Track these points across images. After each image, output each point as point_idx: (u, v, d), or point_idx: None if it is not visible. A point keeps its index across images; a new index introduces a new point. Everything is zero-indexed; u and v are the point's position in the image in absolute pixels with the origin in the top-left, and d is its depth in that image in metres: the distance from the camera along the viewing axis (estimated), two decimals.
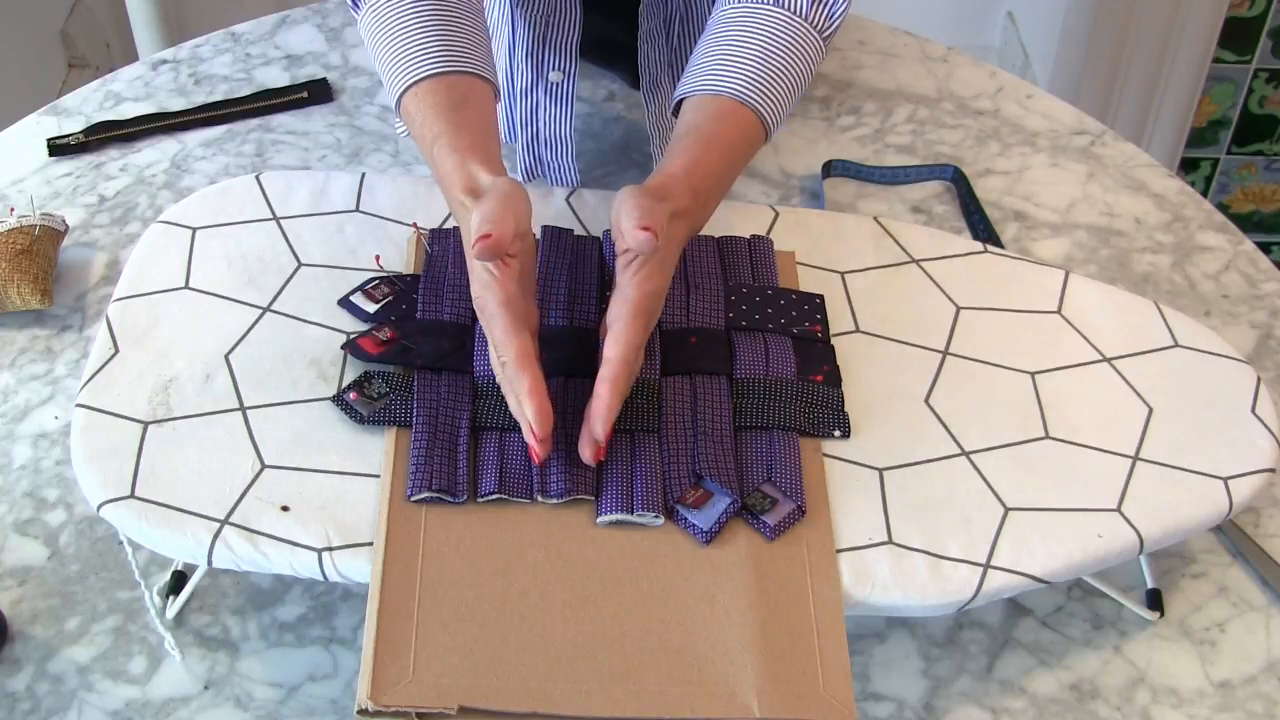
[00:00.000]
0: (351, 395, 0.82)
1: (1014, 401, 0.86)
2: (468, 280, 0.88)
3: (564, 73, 1.03)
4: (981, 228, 1.10)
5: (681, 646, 0.73)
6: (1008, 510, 0.80)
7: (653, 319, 0.82)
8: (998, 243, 1.09)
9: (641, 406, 0.82)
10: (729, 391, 0.84)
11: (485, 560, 0.75)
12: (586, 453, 0.78)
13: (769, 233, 0.96)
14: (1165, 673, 0.84)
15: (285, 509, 0.77)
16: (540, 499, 0.78)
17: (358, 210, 0.94)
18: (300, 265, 0.90)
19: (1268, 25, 2.00)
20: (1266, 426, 0.86)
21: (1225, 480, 0.83)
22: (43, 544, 0.88)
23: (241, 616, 0.84)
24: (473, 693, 0.70)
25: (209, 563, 0.76)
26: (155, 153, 1.16)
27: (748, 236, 0.95)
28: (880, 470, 0.82)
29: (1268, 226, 2.25)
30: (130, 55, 2.20)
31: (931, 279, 0.94)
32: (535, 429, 0.77)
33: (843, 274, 0.94)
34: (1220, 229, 1.12)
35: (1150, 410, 0.87)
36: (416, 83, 0.86)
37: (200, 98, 1.21)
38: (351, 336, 0.86)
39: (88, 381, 0.82)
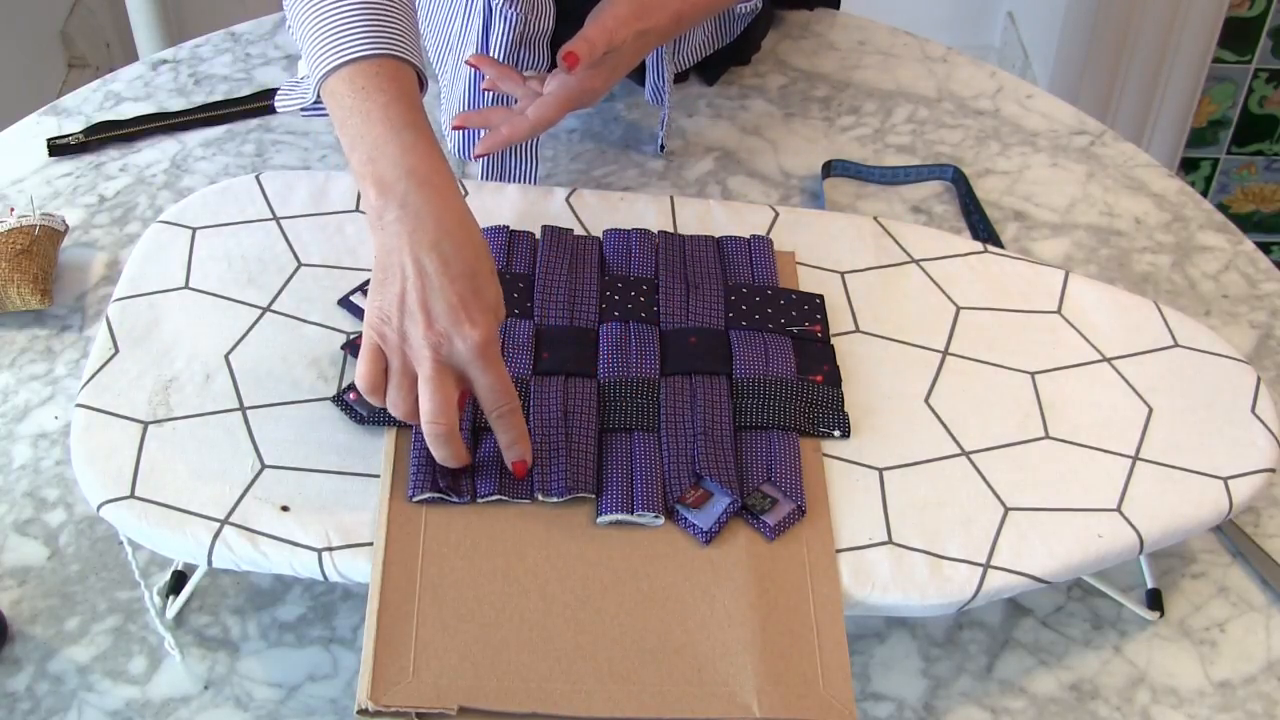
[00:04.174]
0: (351, 395, 0.82)
1: (1014, 401, 0.86)
2: None
3: (536, 69, 1.04)
4: (981, 228, 1.10)
5: (681, 646, 0.73)
6: (1008, 510, 0.80)
7: (577, 107, 0.96)
8: (998, 243, 1.09)
9: (641, 406, 0.82)
10: (729, 391, 0.84)
11: (485, 560, 0.75)
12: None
13: (769, 233, 0.96)
14: (1165, 673, 0.84)
15: (285, 509, 0.77)
16: (540, 498, 0.78)
17: (358, 210, 0.94)
18: (300, 265, 0.90)
19: (1268, 25, 2.00)
20: (1266, 426, 0.86)
21: (1225, 480, 0.83)
22: (43, 544, 0.88)
23: (241, 616, 0.84)
24: (473, 693, 0.70)
25: (209, 563, 0.76)
26: (155, 153, 1.16)
27: (748, 236, 0.95)
28: (880, 470, 0.82)
29: (1268, 226, 2.25)
30: (130, 55, 2.20)
31: (931, 279, 0.94)
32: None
33: (843, 274, 0.94)
34: (1220, 229, 1.12)
35: (1150, 410, 0.87)
36: (349, 62, 0.80)
37: (200, 98, 1.21)
38: (351, 336, 0.86)
39: (88, 381, 0.82)
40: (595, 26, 0.92)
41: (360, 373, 0.77)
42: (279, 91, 0.97)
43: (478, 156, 0.97)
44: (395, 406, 0.77)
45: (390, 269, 0.76)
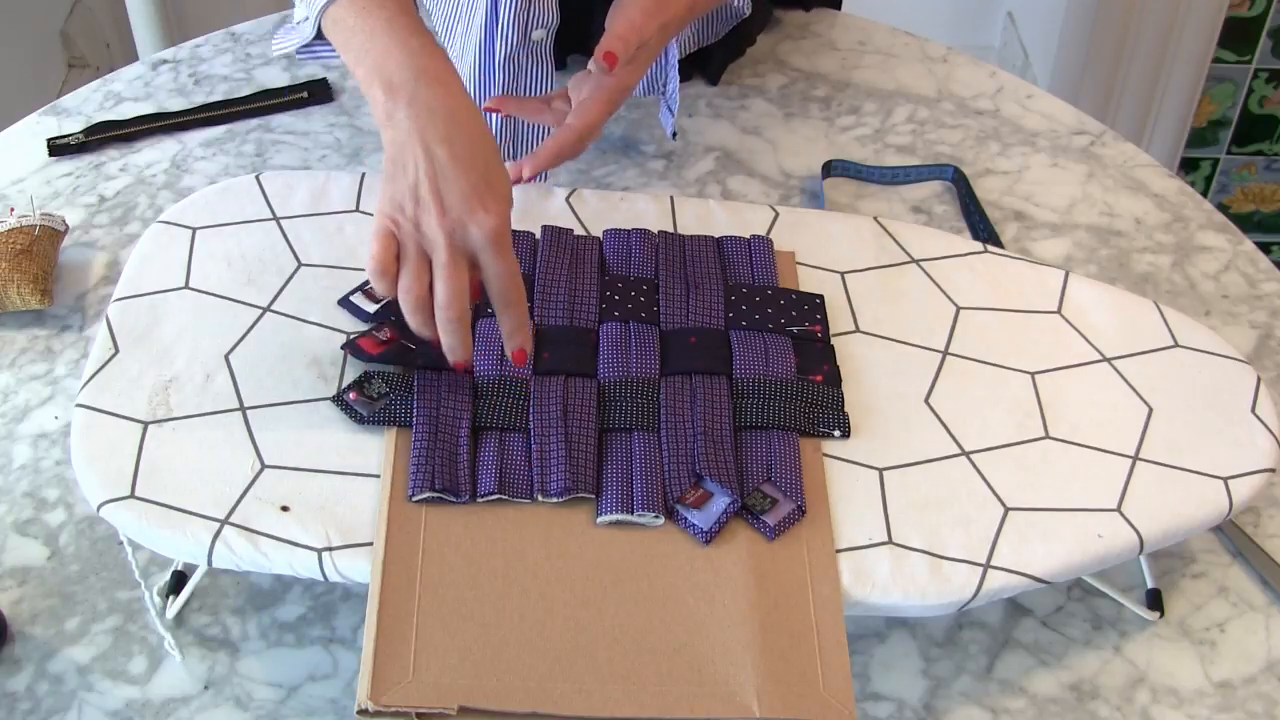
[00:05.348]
0: (351, 395, 0.82)
1: (1014, 401, 0.86)
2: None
3: (546, 29, 1.04)
4: (981, 228, 1.10)
5: (681, 646, 0.73)
6: (1008, 510, 0.80)
7: (615, 108, 0.95)
8: (998, 243, 1.09)
9: (641, 406, 0.82)
10: (729, 391, 0.84)
11: (485, 560, 0.75)
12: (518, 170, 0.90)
13: (769, 233, 0.96)
14: (1165, 673, 0.84)
15: (285, 509, 0.77)
16: (540, 498, 0.78)
17: (358, 210, 0.94)
18: (300, 265, 0.90)
19: (1268, 25, 2.00)
20: (1266, 426, 0.86)
21: (1225, 480, 0.83)
22: (43, 544, 0.88)
23: (241, 616, 0.84)
24: (473, 693, 0.70)
25: (209, 563, 0.76)
26: (155, 153, 1.16)
27: (748, 236, 0.95)
28: (880, 470, 0.82)
29: (1268, 226, 2.25)
30: (130, 55, 2.20)
31: (931, 279, 0.94)
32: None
33: (843, 274, 0.94)
34: (1220, 229, 1.12)
35: (1150, 410, 0.87)
36: None
37: (200, 98, 1.21)
38: (351, 336, 0.86)
39: (88, 381, 0.82)
40: (624, 23, 0.92)
41: (372, 255, 0.78)
42: (275, 36, 0.99)
43: (529, 179, 0.94)
44: (407, 291, 0.78)
45: (401, 162, 0.78)
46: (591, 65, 0.93)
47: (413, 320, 0.79)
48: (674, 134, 1.12)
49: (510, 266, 0.78)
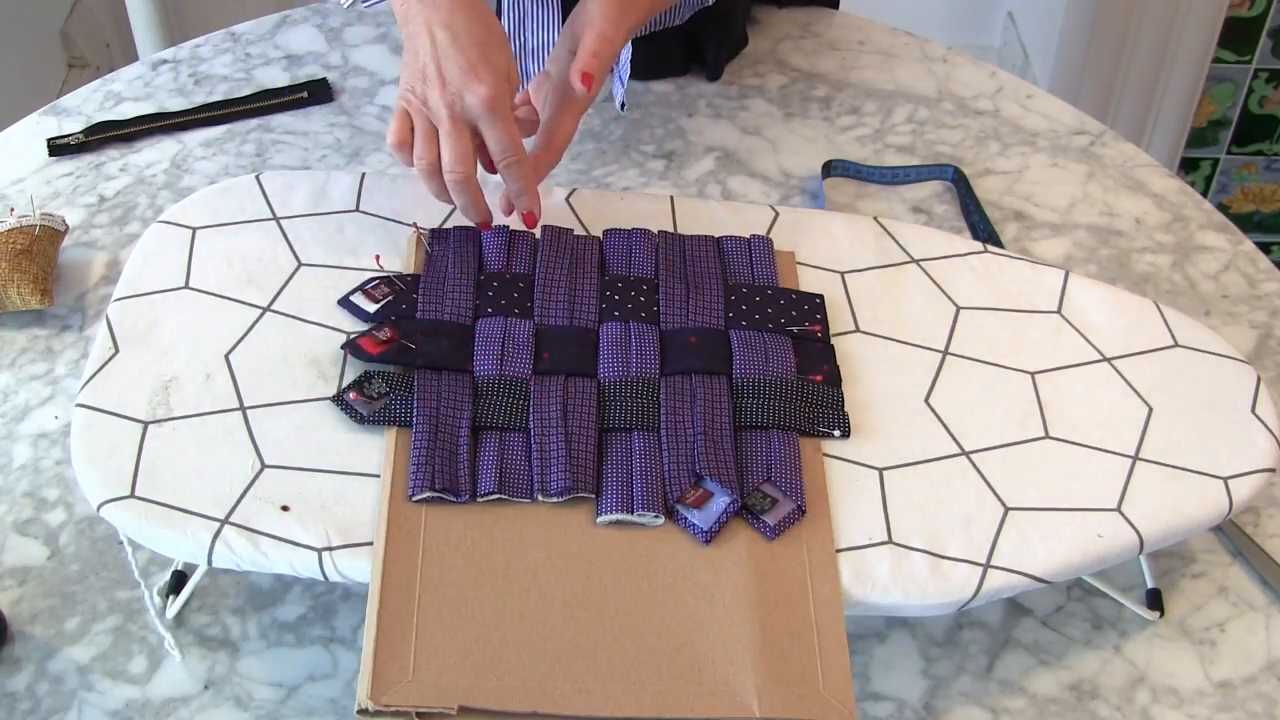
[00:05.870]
0: (351, 395, 0.82)
1: (1014, 401, 0.86)
2: (468, 280, 0.89)
3: None
4: (981, 228, 1.10)
5: (681, 646, 0.73)
6: (1008, 510, 0.80)
7: (584, 112, 0.97)
8: (998, 243, 1.09)
9: (641, 406, 0.82)
10: (729, 391, 0.84)
11: (485, 560, 0.75)
12: (519, 208, 0.91)
13: (769, 233, 0.96)
14: (1165, 673, 0.84)
15: (285, 509, 0.77)
16: (540, 498, 0.78)
17: (358, 210, 0.94)
18: (300, 265, 0.91)
19: (1268, 25, 2.00)
20: (1266, 426, 0.86)
21: (1225, 480, 0.83)
22: (43, 544, 0.88)
23: (241, 616, 0.84)
24: (473, 693, 0.70)
25: (209, 562, 0.76)
26: (155, 153, 1.16)
27: (748, 236, 0.95)
28: (880, 470, 0.82)
29: (1268, 226, 2.25)
30: (130, 55, 2.20)
31: (931, 279, 0.94)
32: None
33: (843, 274, 0.94)
34: (1220, 229, 1.12)
35: (1150, 410, 0.87)
36: None
37: (200, 98, 1.21)
38: (351, 336, 0.86)
39: (88, 381, 0.82)
40: (594, 37, 0.92)
41: (391, 130, 0.89)
42: None
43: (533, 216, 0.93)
44: (420, 159, 0.88)
45: (414, 50, 0.89)
46: (550, 67, 0.96)
47: (429, 186, 0.88)
48: (623, 105, 1.11)
49: (508, 130, 0.87)
